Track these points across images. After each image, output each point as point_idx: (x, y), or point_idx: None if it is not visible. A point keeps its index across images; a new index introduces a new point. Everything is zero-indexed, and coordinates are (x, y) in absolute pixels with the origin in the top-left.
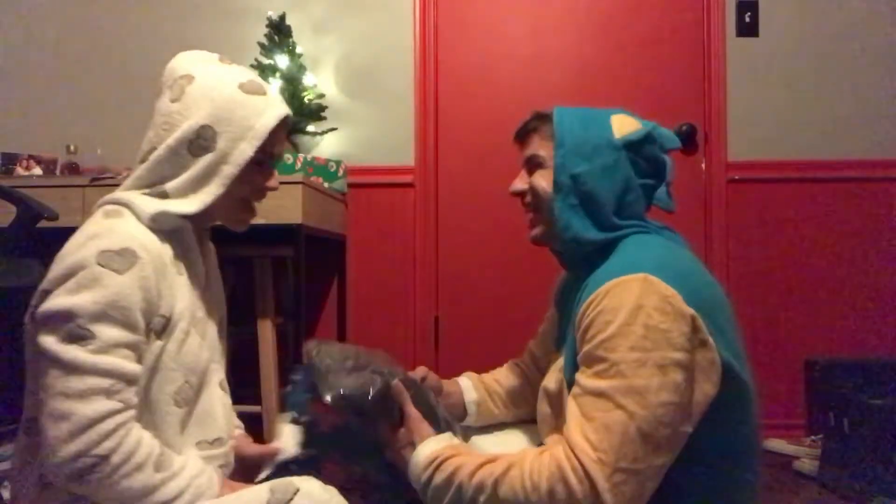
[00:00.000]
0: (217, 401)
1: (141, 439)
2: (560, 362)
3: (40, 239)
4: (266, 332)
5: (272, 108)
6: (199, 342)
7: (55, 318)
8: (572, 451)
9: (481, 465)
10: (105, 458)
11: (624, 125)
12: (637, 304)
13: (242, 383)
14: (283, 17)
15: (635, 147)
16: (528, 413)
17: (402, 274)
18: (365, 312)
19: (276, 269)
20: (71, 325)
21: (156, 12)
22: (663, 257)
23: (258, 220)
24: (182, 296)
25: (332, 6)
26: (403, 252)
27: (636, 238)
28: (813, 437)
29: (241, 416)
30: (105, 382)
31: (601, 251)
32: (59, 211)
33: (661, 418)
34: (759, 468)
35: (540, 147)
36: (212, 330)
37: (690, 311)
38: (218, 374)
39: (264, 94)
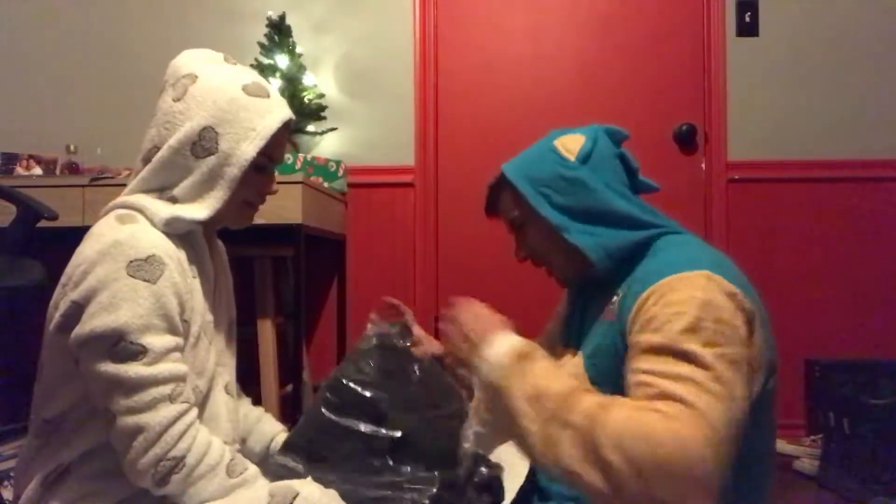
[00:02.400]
0: (222, 405)
1: (211, 443)
2: (577, 363)
3: (40, 239)
4: (266, 332)
5: (275, 111)
6: (207, 346)
7: (102, 339)
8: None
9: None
10: (181, 458)
11: (569, 144)
12: (707, 298)
13: (242, 383)
14: (283, 17)
15: (591, 157)
16: None
17: (402, 274)
18: (365, 312)
19: (276, 269)
20: (122, 344)
21: (156, 12)
22: (716, 256)
23: (258, 220)
24: (197, 299)
25: (332, 6)
26: (403, 252)
27: (672, 238)
28: (813, 437)
29: None
30: (167, 389)
31: (634, 253)
32: (59, 211)
33: (736, 413)
34: (774, 469)
35: (511, 210)
36: (220, 333)
37: (753, 308)
38: (223, 377)
39: (268, 96)
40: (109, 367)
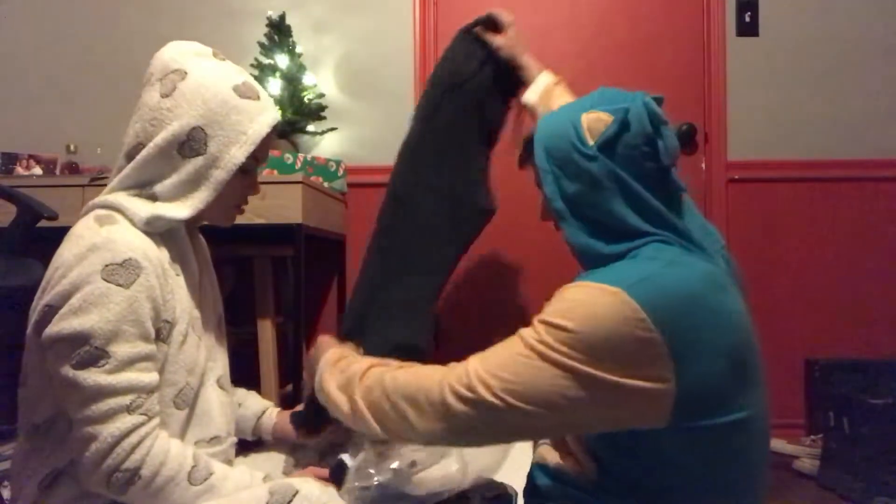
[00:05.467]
0: (214, 399)
1: (168, 451)
2: None
3: (40, 239)
4: (266, 332)
5: (265, 115)
6: (196, 342)
7: (68, 341)
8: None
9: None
10: (136, 470)
11: (595, 125)
12: (597, 313)
13: (242, 383)
14: (283, 17)
15: (613, 145)
16: None
17: None
18: None
19: (276, 269)
20: (86, 349)
21: (156, 12)
22: (657, 273)
23: (258, 220)
24: (181, 297)
25: (332, 6)
26: None
27: (645, 250)
28: (813, 437)
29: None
30: (125, 400)
31: (623, 258)
32: (59, 211)
33: (553, 377)
34: (761, 493)
35: (536, 172)
36: (209, 328)
37: (655, 336)
38: (215, 372)
39: (258, 98)
40: (69, 372)
